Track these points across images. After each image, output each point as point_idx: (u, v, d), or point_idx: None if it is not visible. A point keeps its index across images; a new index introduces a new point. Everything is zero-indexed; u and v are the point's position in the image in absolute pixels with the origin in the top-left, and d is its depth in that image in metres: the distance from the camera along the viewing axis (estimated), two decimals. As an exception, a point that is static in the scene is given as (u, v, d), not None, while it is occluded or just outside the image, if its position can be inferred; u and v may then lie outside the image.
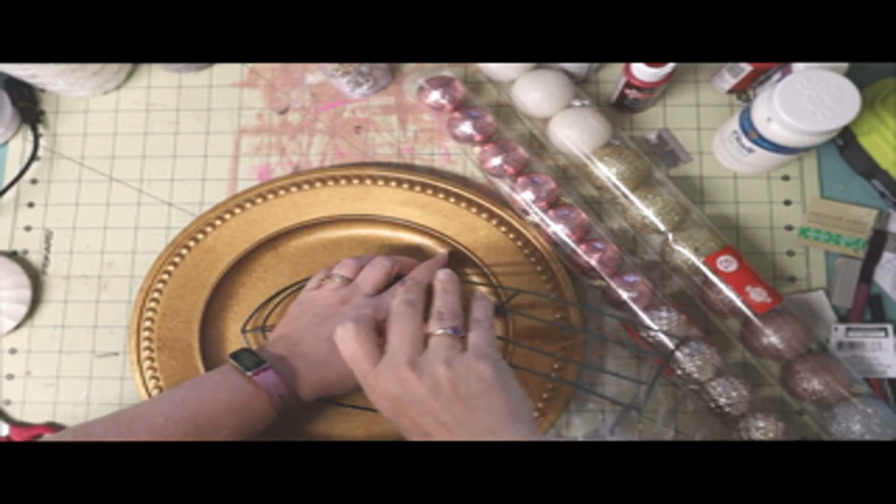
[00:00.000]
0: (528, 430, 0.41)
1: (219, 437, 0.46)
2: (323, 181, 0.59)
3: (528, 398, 0.45)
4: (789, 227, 0.59)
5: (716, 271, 0.53)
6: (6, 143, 0.64)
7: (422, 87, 0.59)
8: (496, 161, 0.57)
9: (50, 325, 0.61)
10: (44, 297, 0.62)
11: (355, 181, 0.59)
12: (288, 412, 0.49)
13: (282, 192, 0.59)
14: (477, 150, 0.59)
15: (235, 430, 0.47)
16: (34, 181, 0.64)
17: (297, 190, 0.59)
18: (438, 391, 0.41)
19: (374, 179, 0.59)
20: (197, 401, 0.46)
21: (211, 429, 0.46)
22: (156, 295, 0.58)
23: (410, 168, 0.62)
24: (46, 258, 0.62)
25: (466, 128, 0.57)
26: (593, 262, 0.54)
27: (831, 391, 0.51)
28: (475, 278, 0.58)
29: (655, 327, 0.52)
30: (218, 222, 0.59)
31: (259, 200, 0.59)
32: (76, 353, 0.61)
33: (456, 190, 0.58)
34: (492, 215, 0.58)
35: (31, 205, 0.63)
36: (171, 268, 0.58)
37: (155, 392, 0.56)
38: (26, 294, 0.60)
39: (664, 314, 0.53)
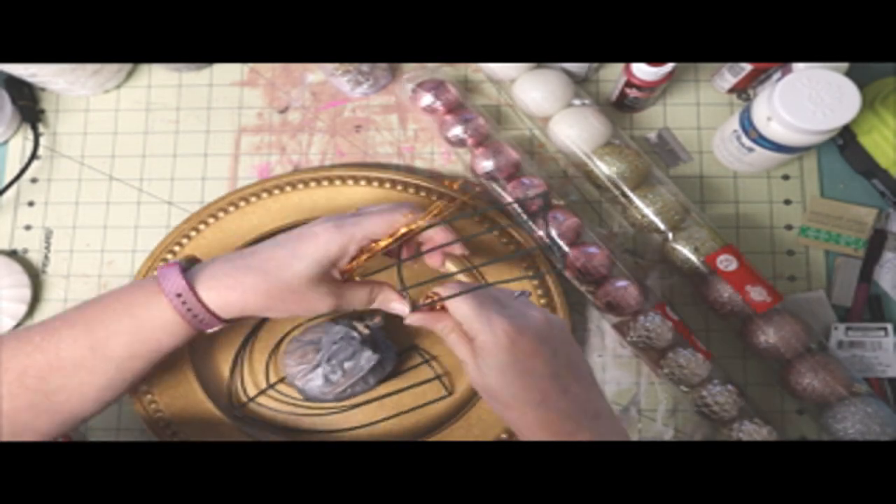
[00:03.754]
0: None
1: (117, 344, 0.41)
2: (322, 180, 0.59)
3: None
4: (789, 227, 0.59)
5: (716, 270, 0.53)
6: (6, 141, 0.65)
7: (413, 90, 0.59)
8: (487, 165, 0.56)
9: (50, 325, 0.61)
10: (44, 296, 0.62)
11: (355, 181, 0.59)
12: (205, 326, 0.42)
13: (281, 191, 0.59)
14: (468, 154, 0.58)
15: (137, 343, 0.41)
16: (34, 180, 0.64)
17: (297, 189, 0.59)
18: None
19: (373, 179, 0.59)
20: (101, 311, 0.42)
21: (107, 336, 0.41)
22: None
23: (410, 169, 0.62)
24: (46, 257, 0.62)
25: (458, 131, 0.57)
26: (579, 265, 0.54)
27: (831, 390, 0.51)
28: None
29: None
30: (211, 220, 0.59)
31: (254, 199, 0.59)
32: (76, 353, 0.61)
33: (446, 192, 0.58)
34: (485, 217, 0.58)
35: (31, 203, 0.63)
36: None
37: (148, 396, 0.56)
38: (26, 293, 0.60)
39: (653, 320, 0.53)
